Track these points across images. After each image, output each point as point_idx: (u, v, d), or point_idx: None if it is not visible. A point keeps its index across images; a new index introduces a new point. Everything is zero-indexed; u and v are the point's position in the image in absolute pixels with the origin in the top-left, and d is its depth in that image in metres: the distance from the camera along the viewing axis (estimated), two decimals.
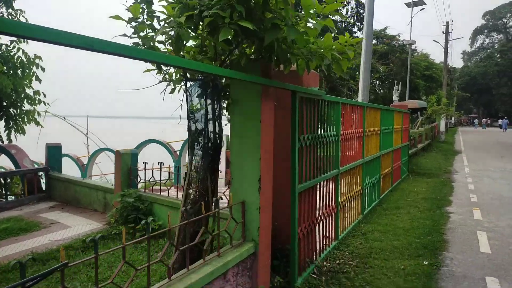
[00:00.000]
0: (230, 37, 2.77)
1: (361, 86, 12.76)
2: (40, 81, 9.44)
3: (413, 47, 41.75)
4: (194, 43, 3.35)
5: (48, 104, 9.74)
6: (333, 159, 5.08)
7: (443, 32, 32.72)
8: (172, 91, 3.52)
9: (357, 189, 6.20)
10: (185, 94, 3.69)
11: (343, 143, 5.39)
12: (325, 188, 4.77)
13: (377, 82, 43.23)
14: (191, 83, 3.69)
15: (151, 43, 2.95)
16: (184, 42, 2.81)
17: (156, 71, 3.29)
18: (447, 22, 32.92)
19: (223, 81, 3.60)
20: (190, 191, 3.92)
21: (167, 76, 3.45)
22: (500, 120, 61.14)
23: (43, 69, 9.47)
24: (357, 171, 6.18)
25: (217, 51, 3.32)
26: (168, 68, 3.35)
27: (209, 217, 3.61)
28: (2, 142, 9.28)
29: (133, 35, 2.93)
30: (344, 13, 28.53)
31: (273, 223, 4.21)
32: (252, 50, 3.26)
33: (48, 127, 9.99)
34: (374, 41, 43.13)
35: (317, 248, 4.47)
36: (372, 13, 12.58)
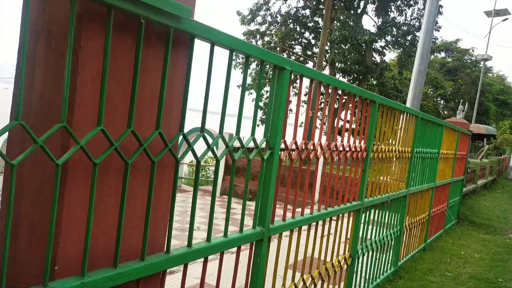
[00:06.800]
0: None
1: (411, 93, 9.50)
2: None
3: (489, 64, 36.08)
4: None
5: None
6: (260, 206, 2.11)
7: None
8: None
9: (336, 260, 3.12)
10: None
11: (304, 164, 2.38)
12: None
13: (441, 101, 37.95)
14: None
15: None
16: None
17: None
18: None
19: None
20: None
21: None
22: None
23: None
24: (345, 222, 3.10)
25: None
26: None
27: None
28: None
29: None
30: (409, 14, 24.85)
31: None
32: None
33: None
34: (443, 54, 38.00)
35: None
36: (437, 3, 9.13)
